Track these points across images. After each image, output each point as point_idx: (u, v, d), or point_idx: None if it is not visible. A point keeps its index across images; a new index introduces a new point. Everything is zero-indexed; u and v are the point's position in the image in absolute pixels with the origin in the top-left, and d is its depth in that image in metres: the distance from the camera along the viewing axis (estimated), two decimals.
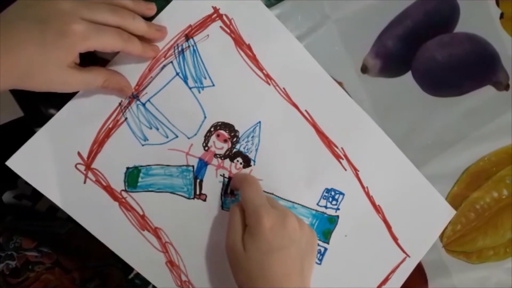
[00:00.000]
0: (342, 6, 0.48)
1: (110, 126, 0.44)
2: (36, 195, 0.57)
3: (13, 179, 0.56)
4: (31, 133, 0.43)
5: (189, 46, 0.45)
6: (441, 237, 0.53)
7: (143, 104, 0.45)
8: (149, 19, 0.44)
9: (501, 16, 0.51)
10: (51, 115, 0.43)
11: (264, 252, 0.39)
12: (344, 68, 0.49)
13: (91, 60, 0.41)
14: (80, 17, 0.37)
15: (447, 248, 0.53)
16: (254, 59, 0.47)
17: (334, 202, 0.49)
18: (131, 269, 0.45)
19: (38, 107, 0.44)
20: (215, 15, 0.46)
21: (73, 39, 0.37)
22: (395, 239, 0.50)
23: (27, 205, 0.57)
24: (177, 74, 0.45)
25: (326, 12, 0.48)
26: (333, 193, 0.49)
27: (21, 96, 0.45)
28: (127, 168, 0.45)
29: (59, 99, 0.43)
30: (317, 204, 0.49)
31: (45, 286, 0.48)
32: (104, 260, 0.53)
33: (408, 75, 0.50)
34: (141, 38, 0.42)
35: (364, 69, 0.49)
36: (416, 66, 0.50)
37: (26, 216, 0.56)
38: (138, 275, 0.46)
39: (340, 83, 0.48)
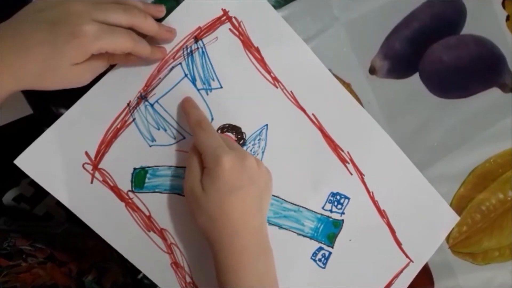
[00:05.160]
0: (350, 7, 0.49)
1: (118, 126, 0.45)
2: (35, 199, 0.57)
3: (17, 178, 0.55)
4: (40, 132, 0.43)
5: (198, 48, 0.45)
6: (447, 238, 0.53)
7: (152, 105, 0.45)
8: (158, 21, 0.44)
9: (507, 18, 0.52)
10: (61, 115, 0.44)
11: (223, 192, 0.39)
12: (352, 69, 0.49)
13: None
14: (92, 18, 0.37)
15: (453, 249, 0.54)
16: (262, 62, 0.47)
17: (339, 206, 0.49)
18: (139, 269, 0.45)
19: (49, 107, 0.44)
20: (225, 17, 0.46)
21: (84, 40, 0.37)
22: (399, 244, 0.51)
23: (25, 209, 0.56)
24: (186, 75, 0.45)
25: (334, 13, 0.49)
26: (338, 197, 0.49)
27: (31, 95, 0.45)
28: (134, 168, 0.45)
29: (70, 99, 0.43)
30: (323, 208, 0.49)
31: (34, 280, 0.48)
32: (101, 257, 0.53)
33: (416, 77, 0.51)
34: (150, 40, 0.42)
35: (372, 71, 0.50)
36: (423, 68, 0.51)
37: (22, 217, 0.55)
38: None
39: (348, 84, 0.49)
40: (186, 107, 0.44)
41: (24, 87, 0.38)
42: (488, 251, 0.54)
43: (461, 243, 0.54)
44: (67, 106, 0.44)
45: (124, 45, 0.39)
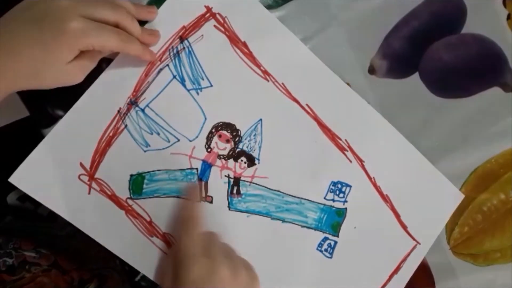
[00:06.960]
0: (349, 7, 0.48)
1: (111, 134, 0.44)
2: None
3: None
4: (37, 133, 0.43)
5: (184, 48, 0.45)
6: (448, 239, 0.53)
7: (142, 110, 0.44)
8: (141, 23, 0.43)
9: (508, 17, 0.50)
10: (58, 116, 0.43)
11: None
12: (351, 69, 0.48)
13: None
14: (79, 15, 0.37)
15: (454, 251, 0.53)
16: (250, 56, 0.46)
17: (341, 195, 0.49)
18: (137, 271, 0.45)
19: (45, 108, 0.44)
20: (208, 14, 0.45)
21: (71, 36, 0.36)
22: (404, 227, 0.50)
23: (30, 208, 0.56)
24: (174, 77, 0.45)
25: (333, 13, 0.48)
26: (339, 185, 0.49)
27: (27, 97, 0.45)
28: (131, 175, 0.45)
29: (66, 99, 0.43)
30: (325, 198, 0.48)
31: None
32: (103, 262, 0.53)
33: (415, 76, 0.50)
34: None
35: (371, 70, 0.49)
36: (423, 67, 0.49)
37: (26, 217, 0.55)
38: (144, 277, 0.46)
39: (347, 84, 0.48)
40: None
41: (19, 87, 0.38)
42: (489, 252, 0.54)
43: (462, 244, 0.53)
44: (63, 106, 0.43)
45: (111, 43, 0.39)
